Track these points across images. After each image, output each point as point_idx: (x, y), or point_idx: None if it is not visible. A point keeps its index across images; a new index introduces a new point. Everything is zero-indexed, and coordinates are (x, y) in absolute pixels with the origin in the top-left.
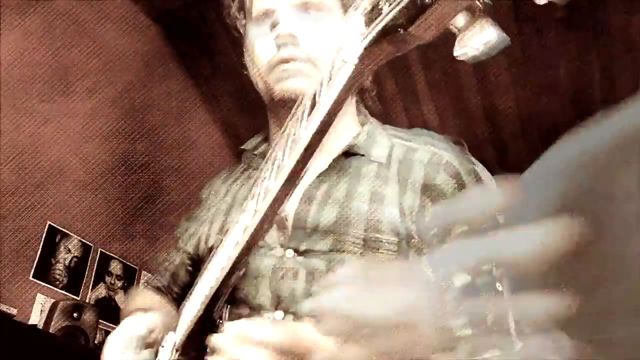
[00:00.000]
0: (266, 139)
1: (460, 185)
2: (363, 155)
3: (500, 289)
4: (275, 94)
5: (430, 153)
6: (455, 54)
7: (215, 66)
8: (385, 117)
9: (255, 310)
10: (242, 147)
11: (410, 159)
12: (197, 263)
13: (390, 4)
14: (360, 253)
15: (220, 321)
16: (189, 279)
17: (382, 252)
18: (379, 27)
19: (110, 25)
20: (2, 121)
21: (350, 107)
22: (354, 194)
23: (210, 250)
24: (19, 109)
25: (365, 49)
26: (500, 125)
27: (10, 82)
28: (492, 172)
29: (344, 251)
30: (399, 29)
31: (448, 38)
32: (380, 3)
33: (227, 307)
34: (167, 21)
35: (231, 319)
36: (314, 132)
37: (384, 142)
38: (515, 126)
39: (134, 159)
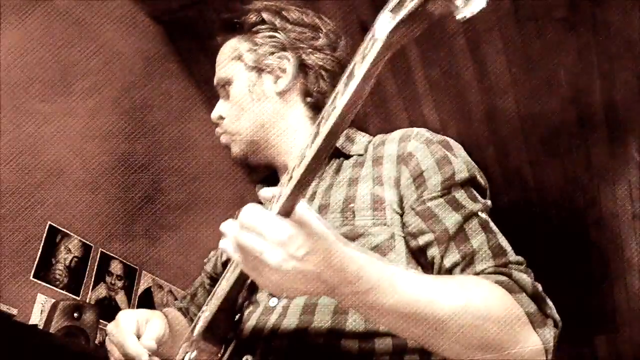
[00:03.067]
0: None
1: (431, 149)
2: (344, 154)
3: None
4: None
5: (403, 131)
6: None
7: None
8: (386, 117)
9: (257, 303)
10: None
11: (384, 140)
12: (215, 282)
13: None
14: (339, 225)
15: (238, 315)
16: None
17: (358, 220)
18: (404, 13)
19: (110, 25)
20: (2, 121)
21: None
22: (334, 184)
23: (225, 264)
24: (19, 109)
25: (393, 28)
26: (500, 125)
27: (10, 82)
28: (492, 172)
29: None
30: (418, 9)
31: (449, 38)
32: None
33: (246, 303)
34: (167, 21)
35: (247, 307)
36: (347, 101)
37: (362, 139)
38: (515, 126)
39: (134, 159)
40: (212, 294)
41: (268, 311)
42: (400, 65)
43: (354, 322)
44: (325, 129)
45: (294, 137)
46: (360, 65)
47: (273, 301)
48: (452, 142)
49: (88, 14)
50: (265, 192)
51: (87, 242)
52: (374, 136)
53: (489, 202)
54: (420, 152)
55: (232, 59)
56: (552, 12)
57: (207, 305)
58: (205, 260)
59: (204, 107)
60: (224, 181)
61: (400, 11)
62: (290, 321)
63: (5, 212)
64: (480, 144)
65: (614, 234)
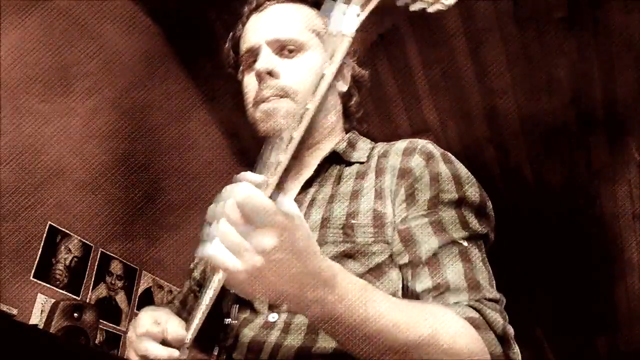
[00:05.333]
0: None
1: (430, 165)
2: (346, 161)
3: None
4: (260, 131)
5: (408, 142)
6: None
7: (215, 66)
8: (386, 117)
9: (254, 312)
10: None
11: (388, 150)
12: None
13: None
14: (340, 241)
15: (229, 319)
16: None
17: (359, 238)
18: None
19: (110, 25)
20: (2, 121)
21: (337, 116)
22: (336, 194)
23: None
24: (19, 109)
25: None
26: (500, 125)
27: (10, 82)
28: (492, 172)
29: (326, 242)
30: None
31: (449, 38)
32: None
33: (235, 307)
34: (167, 21)
35: (237, 318)
36: (317, 102)
37: (365, 146)
38: (515, 126)
39: (134, 159)
40: (198, 299)
41: (268, 326)
42: (400, 65)
43: None
44: (297, 133)
45: (326, 137)
46: (330, 64)
47: (273, 316)
48: (453, 158)
49: (88, 14)
50: (253, 176)
51: (87, 242)
52: (375, 138)
53: (481, 229)
54: (419, 169)
55: (310, 29)
56: (552, 12)
57: (195, 311)
58: (191, 267)
59: (204, 107)
60: (224, 181)
61: (369, 5)
62: (294, 340)
63: (5, 212)
64: (480, 144)
65: (614, 234)
